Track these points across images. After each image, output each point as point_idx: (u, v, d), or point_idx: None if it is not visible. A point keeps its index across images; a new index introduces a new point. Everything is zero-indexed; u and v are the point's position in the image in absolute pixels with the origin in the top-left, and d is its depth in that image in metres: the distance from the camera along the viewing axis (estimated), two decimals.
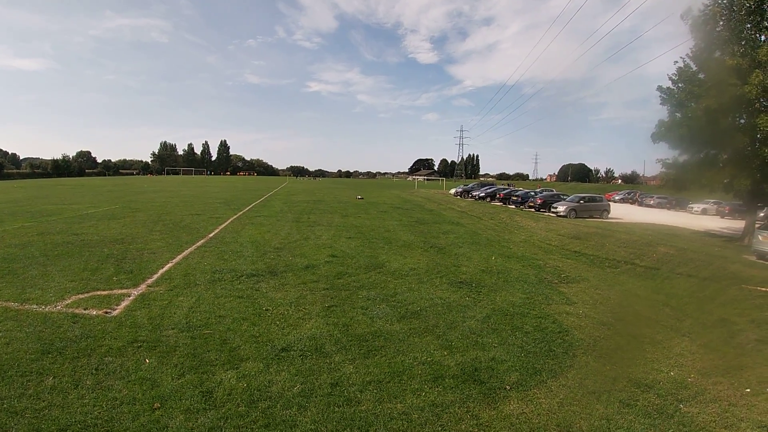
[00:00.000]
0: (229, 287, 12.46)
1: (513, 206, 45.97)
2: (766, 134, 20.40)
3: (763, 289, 14.54)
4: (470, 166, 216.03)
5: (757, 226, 23.24)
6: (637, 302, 13.82)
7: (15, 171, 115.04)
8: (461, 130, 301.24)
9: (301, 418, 6.29)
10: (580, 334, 10.46)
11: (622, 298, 14.19)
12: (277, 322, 9.97)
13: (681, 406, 7.50)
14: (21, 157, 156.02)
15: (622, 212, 44.09)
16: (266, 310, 10.80)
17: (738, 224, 32.89)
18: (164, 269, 14.19)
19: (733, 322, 12.14)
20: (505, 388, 7.53)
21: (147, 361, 7.97)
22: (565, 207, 37.27)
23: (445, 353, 8.74)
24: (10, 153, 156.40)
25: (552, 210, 38.50)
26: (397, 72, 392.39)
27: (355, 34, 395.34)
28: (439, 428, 6.23)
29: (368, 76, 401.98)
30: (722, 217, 45.67)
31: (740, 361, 9.74)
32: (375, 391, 7.16)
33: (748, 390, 8.30)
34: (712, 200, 48.01)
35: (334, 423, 6.21)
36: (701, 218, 44.61)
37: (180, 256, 16.04)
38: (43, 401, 6.65)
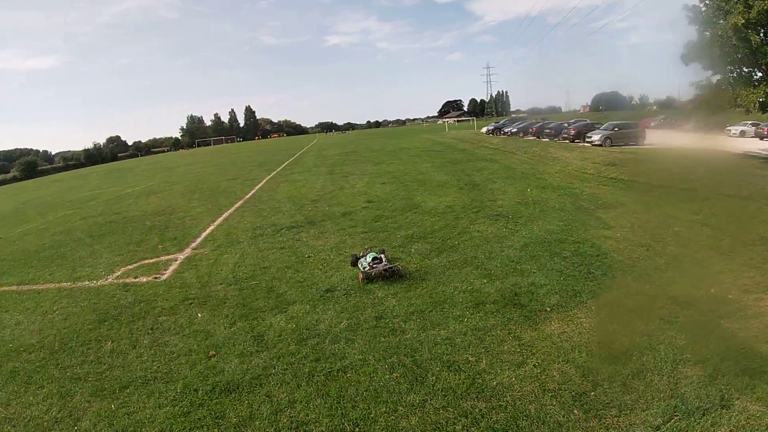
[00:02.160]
0: (271, 240, 12.83)
1: (546, 139, 45.11)
2: None
3: None
4: (500, 103, 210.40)
5: None
6: (676, 224, 13.58)
7: (49, 166, 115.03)
8: (488, 68, 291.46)
9: (349, 350, 6.59)
10: (619, 256, 10.43)
11: (660, 220, 14.02)
12: (320, 267, 10.27)
13: (722, 321, 7.45)
14: (53, 153, 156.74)
15: (658, 138, 43.00)
16: (308, 257, 11.12)
17: None
18: (207, 232, 14.59)
19: None
20: (546, 310, 7.63)
21: (199, 315, 8.34)
22: (599, 136, 36.37)
23: (485, 281, 8.88)
24: (41, 150, 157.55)
25: (586, 140, 37.73)
26: (415, 14, 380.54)
27: None
28: (482, 350, 6.41)
29: (386, 22, 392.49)
30: (761, 138, 44.12)
31: None
32: (418, 320, 7.38)
33: None
34: (750, 122, 46.38)
35: (381, 351, 6.48)
36: (740, 140, 43.17)
37: (220, 219, 16.44)
38: (104, 364, 7.07)
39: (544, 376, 5.79)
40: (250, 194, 21.87)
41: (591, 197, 17.09)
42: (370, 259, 9.45)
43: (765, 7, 19.58)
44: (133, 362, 7.05)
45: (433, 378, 5.82)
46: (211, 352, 6.97)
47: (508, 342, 6.64)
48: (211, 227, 15.36)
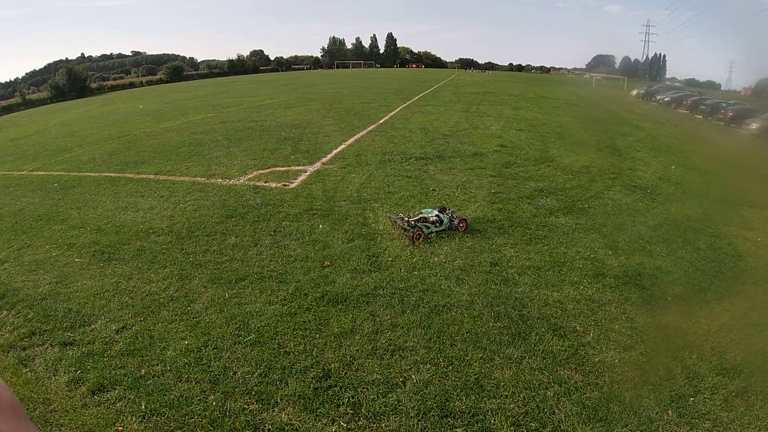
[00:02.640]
0: (398, 168, 12.97)
1: (700, 116, 42.02)
2: None
3: None
4: (656, 68, 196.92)
5: None
6: None
7: (194, 72, 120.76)
8: (647, 26, 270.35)
9: (457, 289, 6.61)
10: (755, 263, 9.61)
11: None
12: (443, 202, 10.18)
13: None
14: (198, 60, 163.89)
15: None
16: (433, 190, 11.17)
17: None
18: (337, 150, 14.97)
19: None
20: (666, 299, 7.23)
21: (320, 226, 8.66)
22: (760, 125, 33.48)
23: (609, 253, 8.52)
24: (188, 57, 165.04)
25: (744, 126, 34.83)
26: None
27: None
28: (592, 323, 6.21)
29: None
30: None
31: None
32: (533, 276, 7.24)
33: None
34: None
35: (490, 298, 6.44)
36: None
37: (352, 139, 16.78)
38: (225, 256, 7.57)
39: (648, 367, 5.58)
40: (383, 120, 22.03)
41: (738, 191, 15.87)
42: (425, 213, 8.78)
43: None
44: (252, 258, 7.46)
45: (536, 338, 5.74)
46: (326, 263, 7.26)
47: (620, 321, 6.38)
48: (342, 146, 15.71)
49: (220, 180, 11.91)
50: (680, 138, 26.70)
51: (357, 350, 5.29)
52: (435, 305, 6.18)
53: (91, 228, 9.11)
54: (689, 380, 5.43)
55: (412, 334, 5.59)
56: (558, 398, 4.83)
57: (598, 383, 5.11)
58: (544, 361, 5.35)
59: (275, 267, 7.17)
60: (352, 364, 5.09)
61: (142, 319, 5.93)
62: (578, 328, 6.08)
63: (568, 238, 8.99)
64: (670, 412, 4.85)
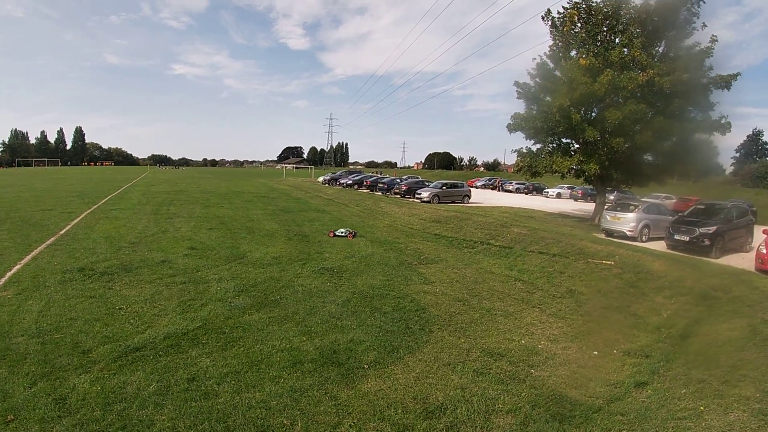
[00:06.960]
0: (81, 287, 11.89)
1: (379, 193, 46.86)
2: (613, 126, 22.77)
3: (607, 262, 15.97)
4: (339, 154, 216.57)
5: (606, 207, 26.32)
6: (491, 279, 14.68)
7: None
8: (331, 118, 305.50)
9: (158, 417, 6.30)
10: (437, 311, 11.10)
11: (477, 275, 15.06)
12: (131, 321, 9.72)
13: (532, 370, 8.24)
14: None
15: (483, 197, 46.49)
16: (119, 308, 10.47)
17: (589, 206, 36.12)
18: (12, 272, 13.25)
19: (580, 292, 13.32)
20: (363, 368, 7.95)
21: None
22: (428, 193, 38.56)
23: (304, 339, 9.02)
24: None
25: (416, 196, 39.66)
26: (267, 57, 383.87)
27: (225, 14, 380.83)
28: (298, 412, 6.48)
29: (237, 60, 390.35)
30: (575, 200, 50.00)
31: (588, 327, 10.78)
32: (233, 382, 7.27)
33: (596, 352, 9.26)
34: (566, 185, 52.24)
35: (192, 418, 6.27)
36: (556, 202, 48.04)
37: (29, 257, 15.03)
38: None
39: None
40: (65, 230, 20.11)
41: (414, 252, 17.99)
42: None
43: (586, 91, 22.37)
44: None
45: None
46: (9, 417, 6.36)
47: (325, 402, 6.78)
48: (18, 266, 13.94)
49: None
50: (362, 215, 29.47)
51: None
52: None
53: None
54: None
55: None
56: None
57: None
58: None
59: None
60: None
61: None
62: (285, 421, 6.27)
63: (263, 333, 9.26)
64: None
